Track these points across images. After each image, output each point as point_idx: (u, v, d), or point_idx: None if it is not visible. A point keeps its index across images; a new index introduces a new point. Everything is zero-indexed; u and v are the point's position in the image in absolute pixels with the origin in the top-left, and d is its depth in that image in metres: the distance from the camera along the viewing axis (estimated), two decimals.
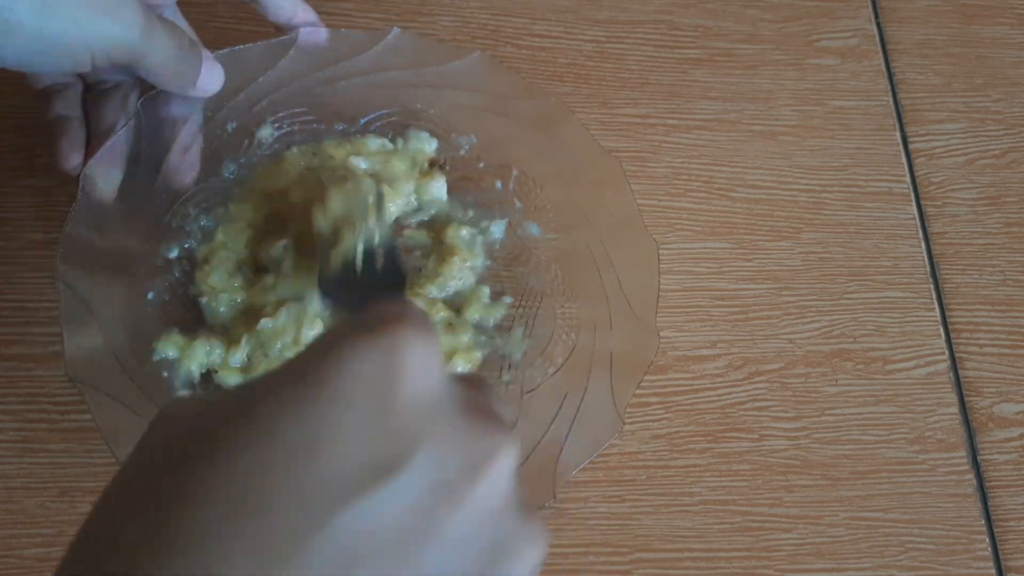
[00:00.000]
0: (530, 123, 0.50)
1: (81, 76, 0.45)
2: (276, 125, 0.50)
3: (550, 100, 0.50)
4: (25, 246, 0.48)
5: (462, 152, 0.51)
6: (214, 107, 0.48)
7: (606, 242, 0.48)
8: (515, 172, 0.51)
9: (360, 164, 0.49)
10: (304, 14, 0.47)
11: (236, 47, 0.46)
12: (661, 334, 0.45)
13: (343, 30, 0.49)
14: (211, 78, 0.44)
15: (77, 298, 0.41)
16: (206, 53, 0.43)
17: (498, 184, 0.51)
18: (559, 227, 0.50)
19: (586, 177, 0.49)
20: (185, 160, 0.46)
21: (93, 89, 0.45)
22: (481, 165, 0.51)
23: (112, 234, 0.44)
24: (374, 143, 0.50)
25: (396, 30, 0.49)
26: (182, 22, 0.45)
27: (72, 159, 0.44)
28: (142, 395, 0.42)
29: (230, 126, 0.49)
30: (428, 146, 0.51)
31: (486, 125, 0.51)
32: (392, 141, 0.51)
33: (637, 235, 0.47)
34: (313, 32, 0.47)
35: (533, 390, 0.46)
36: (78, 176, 0.43)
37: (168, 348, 0.44)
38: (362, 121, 0.51)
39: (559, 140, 0.50)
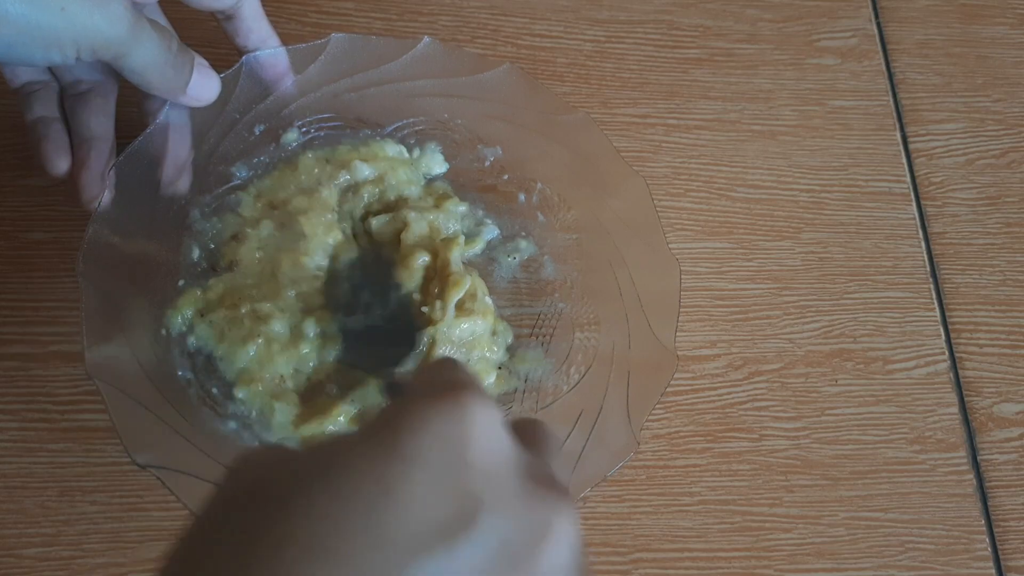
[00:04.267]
0: (556, 137, 0.50)
1: (56, 76, 0.44)
2: (303, 130, 0.49)
3: (577, 115, 0.49)
4: (25, 246, 0.48)
5: (487, 164, 0.51)
6: (243, 109, 0.47)
7: (627, 259, 0.48)
8: (539, 186, 0.51)
9: (364, 171, 0.49)
10: (273, 44, 0.46)
11: (265, 51, 0.46)
12: (660, 335, 0.46)
13: (373, 37, 0.48)
14: (204, 86, 0.42)
15: (98, 296, 0.41)
16: (200, 60, 0.42)
17: (521, 197, 0.51)
18: (580, 243, 0.50)
19: (610, 193, 0.49)
20: (175, 168, 0.45)
21: (69, 90, 0.44)
22: (505, 177, 0.51)
23: (133, 235, 0.44)
24: (391, 148, 0.50)
25: (426, 39, 0.49)
26: (163, 21, 0.43)
27: (58, 163, 0.43)
28: (161, 397, 0.42)
29: (257, 129, 0.49)
30: (438, 167, 0.51)
31: (512, 137, 0.50)
32: (410, 151, 0.51)
33: (659, 254, 0.47)
34: (275, 55, 0.46)
35: (548, 406, 0.46)
36: (64, 179, 0.42)
37: (185, 310, 0.45)
38: (388, 129, 0.51)
39: (585, 155, 0.49)
